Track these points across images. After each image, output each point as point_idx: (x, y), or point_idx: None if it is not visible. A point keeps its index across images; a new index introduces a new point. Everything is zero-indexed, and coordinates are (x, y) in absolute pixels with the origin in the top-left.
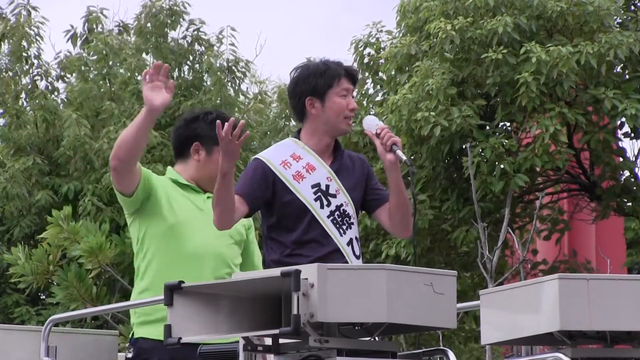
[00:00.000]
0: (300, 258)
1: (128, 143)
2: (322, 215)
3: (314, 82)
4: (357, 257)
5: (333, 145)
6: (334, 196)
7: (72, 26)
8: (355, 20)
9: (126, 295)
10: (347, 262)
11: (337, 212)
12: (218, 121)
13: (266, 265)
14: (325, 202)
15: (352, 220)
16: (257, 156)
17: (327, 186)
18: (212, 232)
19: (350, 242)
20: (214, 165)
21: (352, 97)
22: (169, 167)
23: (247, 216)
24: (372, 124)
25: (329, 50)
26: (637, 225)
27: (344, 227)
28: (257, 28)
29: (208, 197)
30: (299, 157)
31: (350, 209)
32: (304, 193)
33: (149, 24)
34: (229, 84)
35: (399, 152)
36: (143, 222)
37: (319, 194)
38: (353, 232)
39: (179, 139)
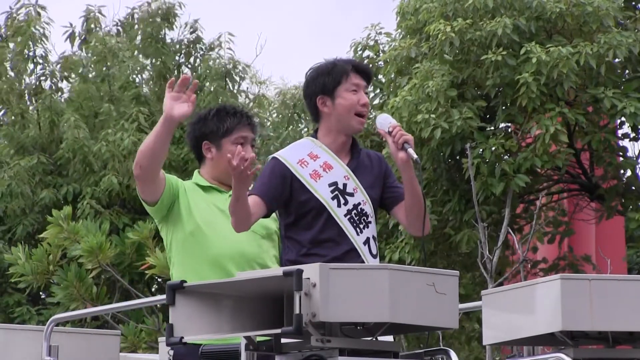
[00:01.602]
0: (316, 257)
1: (148, 152)
2: (338, 214)
3: (322, 81)
4: (374, 257)
5: (350, 143)
6: (352, 195)
7: (70, 24)
8: (350, 21)
9: (126, 296)
10: (363, 261)
11: (355, 211)
12: (228, 155)
13: (282, 264)
14: (342, 201)
15: (369, 219)
16: (274, 155)
17: (345, 185)
18: (233, 233)
19: (367, 241)
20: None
21: (365, 93)
22: (195, 171)
23: (265, 217)
24: (384, 122)
25: (326, 51)
26: (639, 217)
27: (361, 225)
28: (257, 29)
29: (230, 196)
30: (316, 156)
31: (368, 208)
32: (321, 191)
33: (149, 28)
34: (227, 86)
35: (410, 150)
36: (169, 229)
37: (336, 192)
38: (370, 231)
39: (191, 143)
